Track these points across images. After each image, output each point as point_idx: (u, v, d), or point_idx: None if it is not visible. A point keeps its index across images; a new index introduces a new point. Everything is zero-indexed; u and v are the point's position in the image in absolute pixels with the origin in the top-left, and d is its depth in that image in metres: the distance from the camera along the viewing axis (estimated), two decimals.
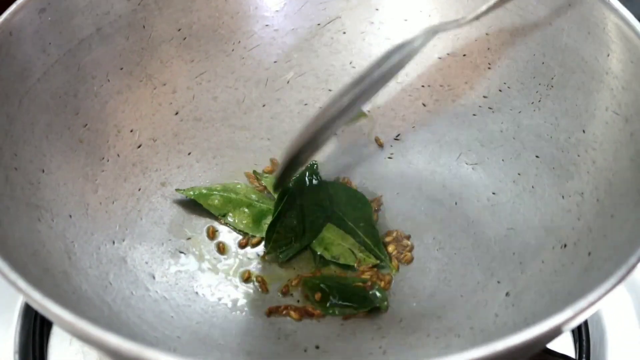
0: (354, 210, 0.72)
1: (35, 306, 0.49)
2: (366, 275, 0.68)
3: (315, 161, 0.74)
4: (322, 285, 0.67)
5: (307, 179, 0.72)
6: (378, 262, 0.69)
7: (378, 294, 0.66)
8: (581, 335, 0.68)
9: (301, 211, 0.71)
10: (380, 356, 0.61)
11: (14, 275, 0.49)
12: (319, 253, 0.70)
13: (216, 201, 0.72)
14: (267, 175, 0.74)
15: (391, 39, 0.76)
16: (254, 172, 0.74)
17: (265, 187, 0.74)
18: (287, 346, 0.63)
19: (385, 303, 0.65)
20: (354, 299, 0.66)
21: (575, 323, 0.49)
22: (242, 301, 0.66)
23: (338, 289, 0.66)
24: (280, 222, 0.70)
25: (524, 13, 0.70)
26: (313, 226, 0.70)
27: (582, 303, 0.47)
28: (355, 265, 0.69)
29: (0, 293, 0.68)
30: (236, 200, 0.72)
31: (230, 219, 0.72)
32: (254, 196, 0.73)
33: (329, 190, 0.72)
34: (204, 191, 0.72)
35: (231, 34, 0.76)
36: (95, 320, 0.47)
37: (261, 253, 0.70)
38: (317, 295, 0.66)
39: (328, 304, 0.66)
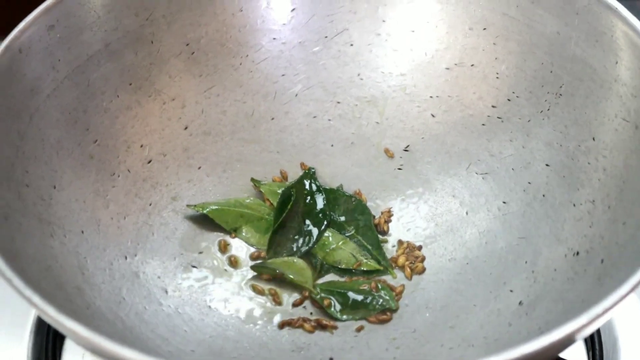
0: (353, 216, 0.72)
1: (49, 321, 0.49)
2: (373, 284, 0.68)
3: (313, 167, 0.74)
4: (327, 292, 0.67)
5: (306, 185, 0.73)
6: (381, 268, 0.69)
7: (384, 293, 0.66)
8: (594, 343, 0.68)
9: (301, 217, 0.71)
10: None
11: (28, 292, 0.49)
12: (320, 259, 0.70)
13: (227, 216, 0.72)
14: (264, 183, 0.74)
15: (398, 50, 0.76)
16: (252, 179, 0.74)
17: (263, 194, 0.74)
18: (301, 358, 0.63)
19: (393, 302, 0.66)
20: (362, 302, 0.66)
21: (588, 331, 0.48)
22: (255, 314, 0.66)
23: (345, 294, 0.67)
24: (281, 228, 0.71)
25: (531, 22, 0.70)
26: (313, 232, 0.71)
27: (595, 310, 0.47)
28: (354, 267, 0.69)
29: (13, 308, 0.68)
30: (247, 215, 0.72)
31: (241, 234, 0.72)
32: (264, 210, 0.73)
33: (328, 196, 0.73)
34: (215, 206, 0.72)
35: (239, 47, 0.76)
36: (109, 335, 0.47)
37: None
38: (326, 302, 0.66)
39: (339, 310, 0.66)
